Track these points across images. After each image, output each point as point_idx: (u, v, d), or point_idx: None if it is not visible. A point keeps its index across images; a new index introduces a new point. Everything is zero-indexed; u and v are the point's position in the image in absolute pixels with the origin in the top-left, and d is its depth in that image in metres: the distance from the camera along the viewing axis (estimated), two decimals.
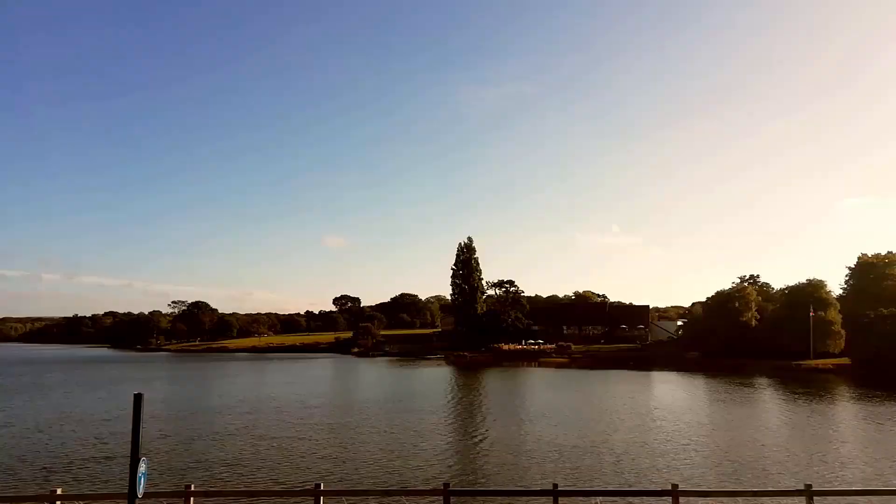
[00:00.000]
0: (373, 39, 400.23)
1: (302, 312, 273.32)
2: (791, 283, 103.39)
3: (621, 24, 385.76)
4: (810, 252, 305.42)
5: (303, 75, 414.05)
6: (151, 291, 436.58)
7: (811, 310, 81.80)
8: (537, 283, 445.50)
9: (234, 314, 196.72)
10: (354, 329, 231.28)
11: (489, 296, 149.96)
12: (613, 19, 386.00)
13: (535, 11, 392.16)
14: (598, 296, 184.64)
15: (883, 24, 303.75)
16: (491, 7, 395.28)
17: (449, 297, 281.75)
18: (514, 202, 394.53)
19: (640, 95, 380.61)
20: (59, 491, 13.45)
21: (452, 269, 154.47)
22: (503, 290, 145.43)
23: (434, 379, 75.20)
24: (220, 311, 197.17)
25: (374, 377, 78.74)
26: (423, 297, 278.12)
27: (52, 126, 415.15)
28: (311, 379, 75.88)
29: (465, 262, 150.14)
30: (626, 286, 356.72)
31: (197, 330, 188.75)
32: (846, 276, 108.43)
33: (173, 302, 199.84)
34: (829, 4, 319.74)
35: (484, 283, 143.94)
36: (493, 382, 70.62)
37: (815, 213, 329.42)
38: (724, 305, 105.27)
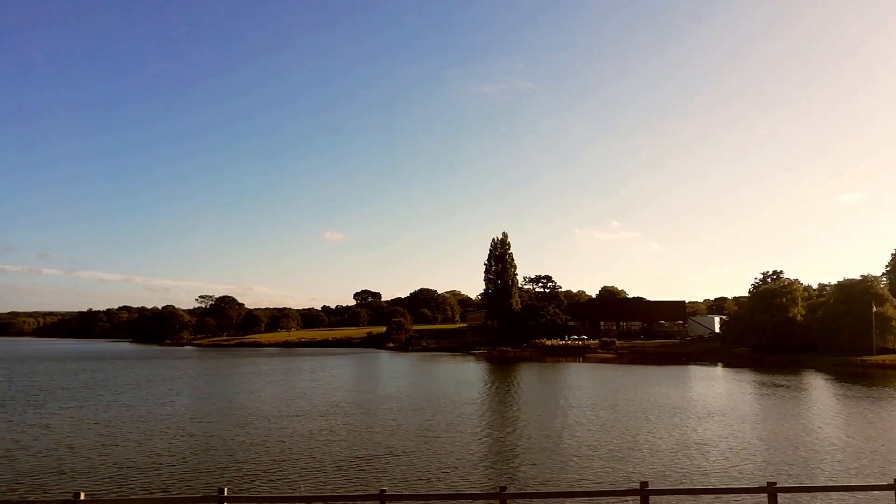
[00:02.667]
0: (370, 36, 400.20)
1: (308, 307, 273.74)
2: (822, 280, 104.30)
3: (619, 18, 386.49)
4: (811, 247, 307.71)
5: (301, 74, 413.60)
6: (151, 286, 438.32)
7: (872, 305, 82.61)
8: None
9: (260, 309, 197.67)
10: (377, 324, 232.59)
11: (522, 291, 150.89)
12: (611, 13, 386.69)
13: (530, 7, 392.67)
14: (621, 291, 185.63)
15: (884, 23, 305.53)
16: (486, 4, 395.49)
17: (463, 292, 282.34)
18: (511, 196, 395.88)
19: (638, 91, 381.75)
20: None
21: (485, 264, 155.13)
22: (539, 285, 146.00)
23: (493, 375, 75.88)
24: (273, 306, 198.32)
25: (438, 374, 79.26)
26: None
27: (51, 122, 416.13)
28: (388, 375, 76.04)
29: (500, 257, 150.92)
30: (626, 281, 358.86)
31: (224, 325, 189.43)
32: (886, 269, 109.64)
33: (200, 297, 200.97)
34: (829, 2, 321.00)
35: (520, 278, 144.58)
36: (551, 378, 71.22)
37: (814, 208, 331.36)
38: (769, 301, 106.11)
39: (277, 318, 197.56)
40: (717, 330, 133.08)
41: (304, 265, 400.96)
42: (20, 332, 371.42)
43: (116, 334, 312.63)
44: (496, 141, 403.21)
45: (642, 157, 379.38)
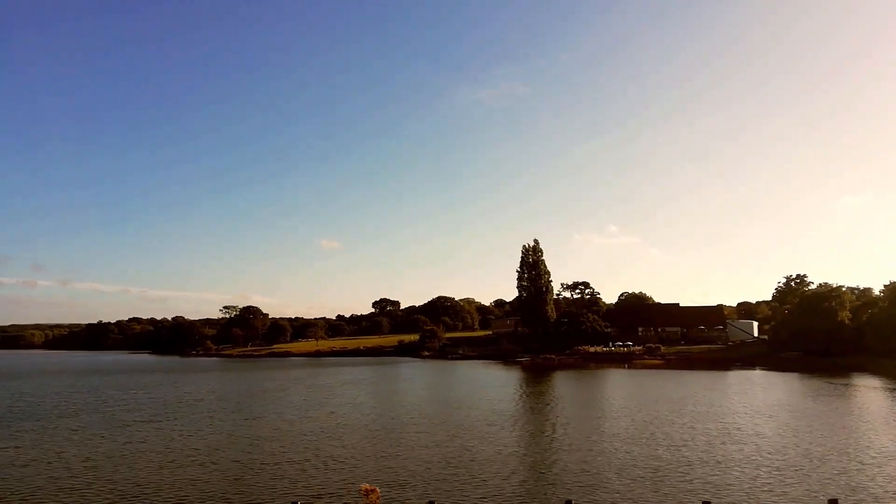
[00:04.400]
0: (365, 43, 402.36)
1: (318, 317, 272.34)
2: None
3: (616, 23, 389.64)
4: (812, 250, 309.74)
5: (298, 80, 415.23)
6: (148, 297, 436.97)
7: None
8: None
9: (284, 318, 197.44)
10: (398, 332, 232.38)
11: (558, 297, 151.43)
12: (608, 18, 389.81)
13: (526, 13, 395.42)
14: (648, 297, 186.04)
15: (884, 22, 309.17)
16: (483, 10, 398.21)
17: (477, 300, 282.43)
18: (509, 203, 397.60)
19: (636, 96, 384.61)
20: None
21: (517, 271, 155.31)
22: (577, 291, 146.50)
23: (571, 386, 76.35)
24: (271, 316, 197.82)
25: (498, 383, 79.38)
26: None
27: (47, 130, 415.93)
28: (463, 384, 76.23)
29: (533, 264, 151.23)
30: (629, 287, 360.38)
31: (250, 335, 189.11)
32: None
33: (224, 307, 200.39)
34: (830, 2, 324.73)
35: (560, 284, 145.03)
36: (610, 385, 72.14)
37: (815, 211, 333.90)
38: (817, 305, 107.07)
39: (304, 327, 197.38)
40: (756, 334, 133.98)
41: (302, 274, 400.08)
42: (29, 345, 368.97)
43: (129, 346, 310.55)
44: (494, 147, 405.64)
45: (641, 162, 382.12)
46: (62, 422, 44.98)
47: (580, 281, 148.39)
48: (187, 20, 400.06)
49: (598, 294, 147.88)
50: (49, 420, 45.95)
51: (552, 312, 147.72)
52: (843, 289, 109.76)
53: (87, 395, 65.42)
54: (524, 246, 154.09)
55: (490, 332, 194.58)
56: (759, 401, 53.18)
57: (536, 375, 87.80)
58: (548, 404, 52.39)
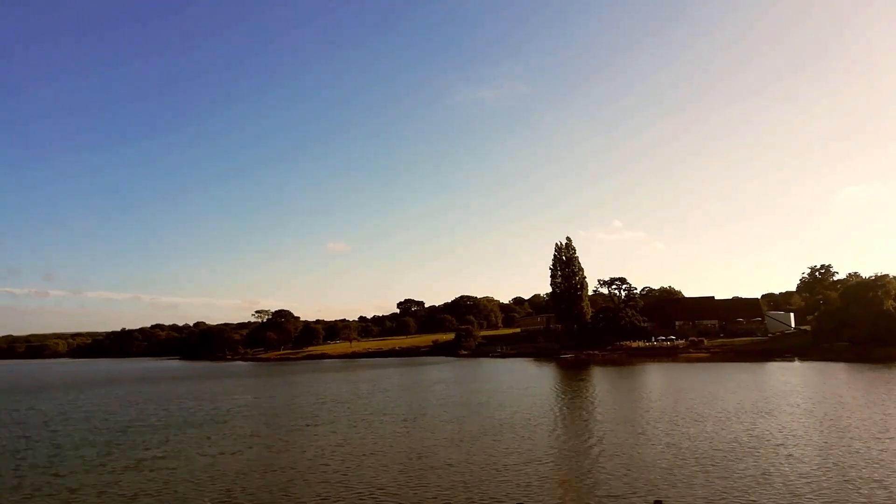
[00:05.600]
0: (367, 44, 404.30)
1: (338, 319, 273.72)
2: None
3: (617, 19, 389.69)
4: (816, 242, 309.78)
5: (302, 84, 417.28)
6: (159, 304, 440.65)
7: None
8: (541, 282, 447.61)
9: (317, 321, 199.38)
10: (424, 332, 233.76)
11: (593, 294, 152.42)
12: (608, 14, 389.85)
13: (526, 11, 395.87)
14: (678, 291, 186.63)
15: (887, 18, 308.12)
16: (483, 9, 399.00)
17: (495, 298, 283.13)
18: (512, 201, 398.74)
19: (638, 92, 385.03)
20: None
21: (550, 268, 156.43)
22: (613, 287, 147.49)
23: (617, 379, 77.15)
24: (303, 319, 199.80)
25: (567, 380, 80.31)
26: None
27: (54, 140, 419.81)
28: (540, 381, 76.97)
29: (566, 261, 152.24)
30: (637, 281, 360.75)
31: (282, 338, 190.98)
32: None
33: (257, 311, 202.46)
34: None
35: (597, 280, 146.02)
36: (675, 379, 72.03)
37: (817, 202, 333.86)
38: (862, 294, 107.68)
39: (331, 329, 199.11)
40: (793, 325, 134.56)
41: (310, 277, 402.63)
42: (55, 354, 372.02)
43: (153, 353, 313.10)
44: (496, 146, 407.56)
45: (643, 158, 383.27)
46: (236, 427, 44.75)
47: (616, 277, 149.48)
48: (193, 28, 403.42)
49: (635, 289, 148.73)
50: (215, 426, 45.86)
51: (588, 309, 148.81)
52: (889, 277, 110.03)
53: (199, 403, 63.75)
54: (557, 244, 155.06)
55: (518, 330, 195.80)
56: (853, 390, 53.86)
57: (594, 372, 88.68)
58: (637, 401, 53.04)
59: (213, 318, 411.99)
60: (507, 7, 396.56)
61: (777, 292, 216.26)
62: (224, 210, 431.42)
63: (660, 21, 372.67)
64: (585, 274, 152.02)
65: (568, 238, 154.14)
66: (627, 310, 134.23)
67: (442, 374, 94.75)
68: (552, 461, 29.27)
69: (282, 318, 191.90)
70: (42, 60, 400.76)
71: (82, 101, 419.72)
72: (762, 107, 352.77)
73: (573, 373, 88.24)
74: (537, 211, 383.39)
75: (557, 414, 46.76)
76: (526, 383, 74.03)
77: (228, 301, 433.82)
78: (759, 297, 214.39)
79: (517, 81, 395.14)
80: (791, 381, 64.83)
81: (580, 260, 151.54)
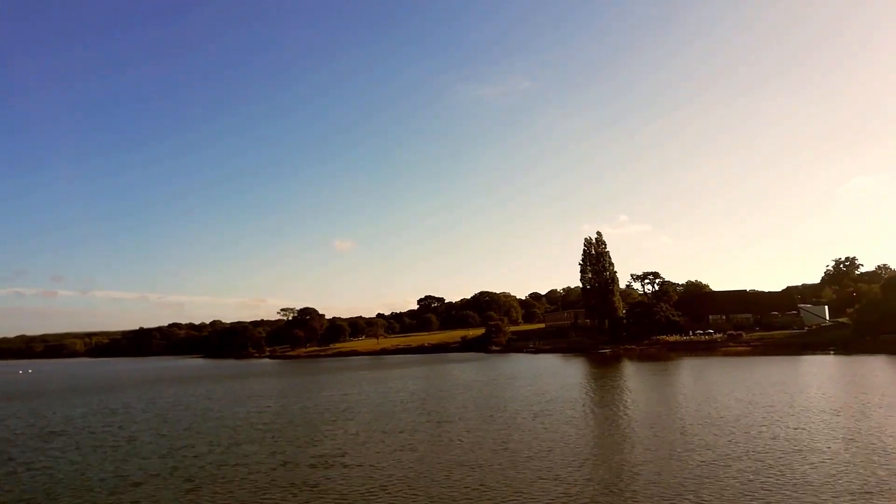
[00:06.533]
0: (368, 42, 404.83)
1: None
2: None
3: (618, 13, 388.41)
4: (823, 234, 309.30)
5: (305, 84, 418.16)
6: (166, 303, 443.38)
7: None
8: (548, 277, 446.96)
9: (340, 318, 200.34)
10: (447, 328, 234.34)
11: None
12: (609, 8, 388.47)
13: (526, 8, 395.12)
14: (705, 285, 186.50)
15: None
16: (482, 7, 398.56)
17: (512, 294, 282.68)
18: (517, 197, 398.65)
19: (641, 85, 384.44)
20: None
21: (580, 264, 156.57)
22: (647, 282, 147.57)
23: (673, 374, 76.69)
24: (328, 316, 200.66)
25: (626, 375, 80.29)
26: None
27: (60, 143, 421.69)
28: (601, 377, 77.14)
29: (597, 256, 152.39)
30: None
31: (309, 336, 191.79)
32: None
33: (283, 309, 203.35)
34: None
35: (630, 275, 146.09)
36: (732, 373, 70.74)
37: (823, 194, 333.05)
38: None
39: (354, 325, 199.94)
40: (827, 318, 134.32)
41: (317, 275, 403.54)
42: (72, 354, 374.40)
43: (173, 351, 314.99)
44: (500, 143, 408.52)
45: (647, 151, 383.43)
46: (379, 423, 44.05)
47: (649, 271, 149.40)
48: (195, 32, 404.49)
49: (676, 284, 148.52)
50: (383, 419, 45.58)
51: (619, 304, 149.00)
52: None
53: (301, 398, 63.31)
54: (586, 239, 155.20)
55: (543, 325, 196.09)
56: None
57: (643, 367, 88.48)
58: (740, 399, 51.10)
59: (219, 316, 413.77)
60: (507, 4, 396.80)
61: (798, 284, 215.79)
62: (230, 210, 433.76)
63: (662, 16, 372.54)
64: (616, 270, 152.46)
65: (598, 233, 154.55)
66: (662, 304, 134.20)
67: (493, 375, 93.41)
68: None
69: (307, 316, 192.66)
70: (48, 65, 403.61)
71: (89, 105, 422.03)
72: (765, 101, 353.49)
73: (628, 369, 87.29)
74: (541, 206, 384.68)
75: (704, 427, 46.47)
76: (597, 382, 72.83)
77: (234, 299, 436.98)
78: (781, 289, 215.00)
79: (518, 78, 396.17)
80: (866, 375, 64.19)
81: (611, 255, 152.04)
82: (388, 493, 25.30)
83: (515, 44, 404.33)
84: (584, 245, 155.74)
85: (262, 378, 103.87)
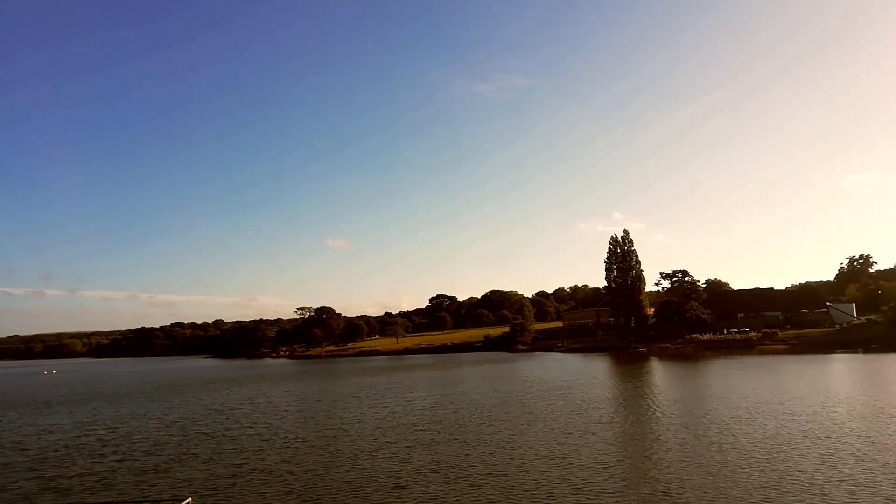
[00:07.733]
0: (364, 40, 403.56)
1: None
2: None
3: (614, 14, 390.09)
4: (825, 231, 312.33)
5: (300, 81, 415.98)
6: (156, 302, 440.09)
7: None
8: (548, 277, 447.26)
9: (360, 317, 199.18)
10: (459, 327, 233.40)
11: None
12: (607, 9, 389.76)
13: (524, 5, 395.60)
14: (725, 283, 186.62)
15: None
16: (479, 4, 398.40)
17: (518, 292, 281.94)
18: (512, 191, 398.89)
19: (638, 82, 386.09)
20: None
21: (605, 262, 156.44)
22: (675, 280, 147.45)
23: (736, 375, 74.92)
24: (343, 315, 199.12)
25: (682, 376, 78.99)
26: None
27: (49, 140, 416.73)
28: (667, 379, 75.93)
29: (622, 255, 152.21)
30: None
31: (326, 335, 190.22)
32: None
33: (299, 308, 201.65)
34: None
35: (658, 273, 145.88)
36: (794, 373, 69.19)
37: (820, 192, 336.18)
38: None
39: (385, 325, 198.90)
40: (856, 315, 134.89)
41: (308, 273, 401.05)
42: (73, 354, 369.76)
43: (177, 351, 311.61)
44: (496, 139, 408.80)
45: (643, 149, 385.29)
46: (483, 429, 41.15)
47: (678, 269, 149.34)
48: (188, 28, 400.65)
49: (698, 282, 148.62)
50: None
51: (646, 302, 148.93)
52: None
53: (377, 400, 60.51)
54: (612, 237, 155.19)
55: (561, 324, 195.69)
56: None
57: (692, 368, 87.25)
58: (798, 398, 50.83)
59: (212, 315, 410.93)
60: (504, 1, 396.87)
61: (813, 281, 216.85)
62: (220, 208, 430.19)
63: (660, 15, 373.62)
64: (642, 269, 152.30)
65: (625, 231, 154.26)
66: (692, 303, 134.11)
67: (557, 372, 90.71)
68: None
69: (324, 315, 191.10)
70: (39, 60, 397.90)
71: (79, 101, 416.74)
72: (765, 101, 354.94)
73: (680, 370, 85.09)
74: (536, 202, 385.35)
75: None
76: (676, 385, 70.75)
77: (225, 298, 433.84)
78: (790, 286, 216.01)
79: (514, 75, 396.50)
80: None
81: (635, 253, 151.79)
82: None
83: (512, 40, 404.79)
84: (610, 244, 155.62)
85: (305, 379, 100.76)
